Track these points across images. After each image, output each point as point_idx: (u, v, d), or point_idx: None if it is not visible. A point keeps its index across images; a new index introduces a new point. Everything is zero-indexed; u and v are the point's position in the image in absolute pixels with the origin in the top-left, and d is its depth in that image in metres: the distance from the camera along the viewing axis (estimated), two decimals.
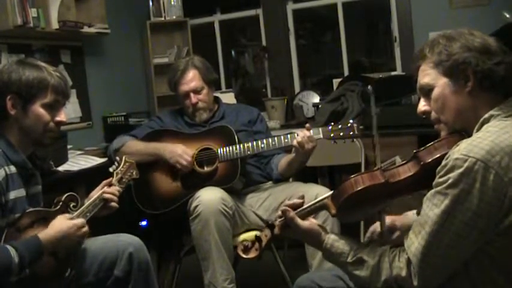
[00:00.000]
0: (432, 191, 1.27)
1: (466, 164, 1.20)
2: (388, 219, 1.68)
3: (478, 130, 1.31)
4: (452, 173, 1.22)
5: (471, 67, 1.31)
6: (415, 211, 1.67)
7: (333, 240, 1.46)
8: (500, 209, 1.20)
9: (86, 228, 1.84)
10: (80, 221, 1.83)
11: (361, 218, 2.67)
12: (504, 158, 1.20)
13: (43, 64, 1.89)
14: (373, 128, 2.60)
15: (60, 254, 1.81)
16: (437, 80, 1.37)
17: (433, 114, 1.41)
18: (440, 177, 1.25)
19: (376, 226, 1.69)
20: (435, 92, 1.37)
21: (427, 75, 1.38)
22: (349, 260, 1.41)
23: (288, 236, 1.56)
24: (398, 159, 1.45)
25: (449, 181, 1.22)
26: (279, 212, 1.54)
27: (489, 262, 1.25)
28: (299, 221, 1.50)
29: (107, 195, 1.98)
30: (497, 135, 1.24)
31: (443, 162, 1.25)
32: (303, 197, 1.58)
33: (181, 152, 2.55)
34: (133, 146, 2.68)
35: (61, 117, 1.91)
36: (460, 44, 1.34)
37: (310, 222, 1.51)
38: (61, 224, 1.79)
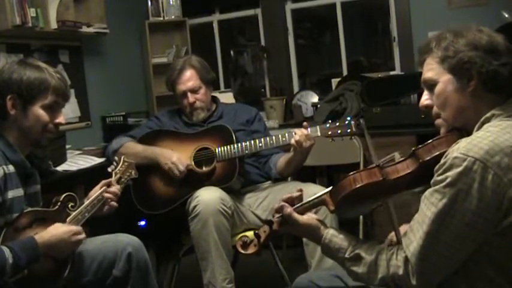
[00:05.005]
0: (430, 189, 1.26)
1: (464, 164, 1.19)
2: (404, 228, 1.67)
3: (478, 129, 1.30)
4: (450, 171, 1.21)
5: (476, 67, 1.29)
6: None
7: (332, 235, 1.46)
8: (499, 209, 1.19)
9: (82, 236, 1.83)
10: (77, 228, 1.83)
11: (360, 214, 2.67)
12: (504, 159, 1.19)
13: (44, 65, 1.89)
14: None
15: (57, 256, 1.81)
16: (441, 75, 1.35)
17: (435, 109, 1.40)
18: (439, 175, 1.24)
19: (392, 235, 1.68)
20: (438, 88, 1.36)
21: (432, 69, 1.37)
22: (346, 255, 1.41)
23: (287, 231, 1.56)
24: (397, 156, 1.44)
25: (448, 180, 1.21)
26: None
27: (487, 261, 1.25)
28: (297, 215, 1.49)
29: (106, 195, 1.98)
30: (498, 135, 1.23)
31: (442, 161, 1.24)
32: (300, 191, 1.58)
33: (175, 160, 2.54)
34: (131, 148, 2.67)
35: (60, 118, 1.91)
36: (467, 41, 1.31)
37: (309, 217, 1.51)
38: (57, 229, 1.78)
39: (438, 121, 1.40)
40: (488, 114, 1.30)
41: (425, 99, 1.42)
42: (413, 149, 1.38)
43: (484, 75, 1.29)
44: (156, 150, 2.63)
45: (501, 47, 1.31)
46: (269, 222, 1.57)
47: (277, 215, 1.54)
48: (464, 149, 1.21)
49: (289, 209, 1.50)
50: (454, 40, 1.33)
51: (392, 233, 1.66)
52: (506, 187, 1.19)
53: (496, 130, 1.24)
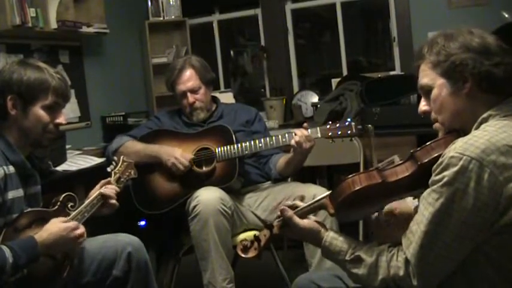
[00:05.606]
0: (428, 189, 1.27)
1: (461, 163, 1.20)
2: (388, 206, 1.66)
3: (476, 129, 1.30)
4: (447, 171, 1.22)
5: (468, 69, 1.30)
6: (411, 198, 1.65)
7: (332, 238, 1.46)
8: (496, 208, 1.20)
9: (80, 230, 1.81)
10: (74, 223, 1.81)
11: (359, 217, 2.66)
12: (499, 157, 1.20)
13: (44, 65, 1.89)
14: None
15: (57, 255, 1.81)
16: (435, 80, 1.36)
17: (433, 115, 1.41)
18: (436, 175, 1.25)
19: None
20: (433, 93, 1.37)
21: (426, 75, 1.38)
22: (347, 258, 1.41)
23: (287, 235, 1.56)
24: (396, 159, 1.45)
25: (445, 179, 1.22)
26: (278, 212, 1.55)
27: (485, 260, 1.25)
28: (297, 219, 1.50)
29: (106, 191, 1.98)
30: (494, 134, 1.23)
31: (439, 161, 1.25)
32: (303, 198, 1.58)
33: (178, 156, 2.54)
34: (132, 147, 2.67)
35: (60, 119, 1.91)
36: (459, 44, 1.32)
37: (309, 220, 1.52)
38: (54, 226, 1.77)
39: (436, 125, 1.41)
40: (485, 115, 1.31)
41: (423, 105, 1.43)
42: (411, 151, 1.38)
43: (477, 76, 1.30)
44: (157, 147, 2.63)
45: (493, 47, 1.32)
46: (269, 226, 1.57)
47: (277, 219, 1.55)
48: (460, 148, 1.22)
49: (289, 213, 1.51)
50: (445, 44, 1.34)
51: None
52: (502, 185, 1.19)
53: (492, 129, 1.25)
